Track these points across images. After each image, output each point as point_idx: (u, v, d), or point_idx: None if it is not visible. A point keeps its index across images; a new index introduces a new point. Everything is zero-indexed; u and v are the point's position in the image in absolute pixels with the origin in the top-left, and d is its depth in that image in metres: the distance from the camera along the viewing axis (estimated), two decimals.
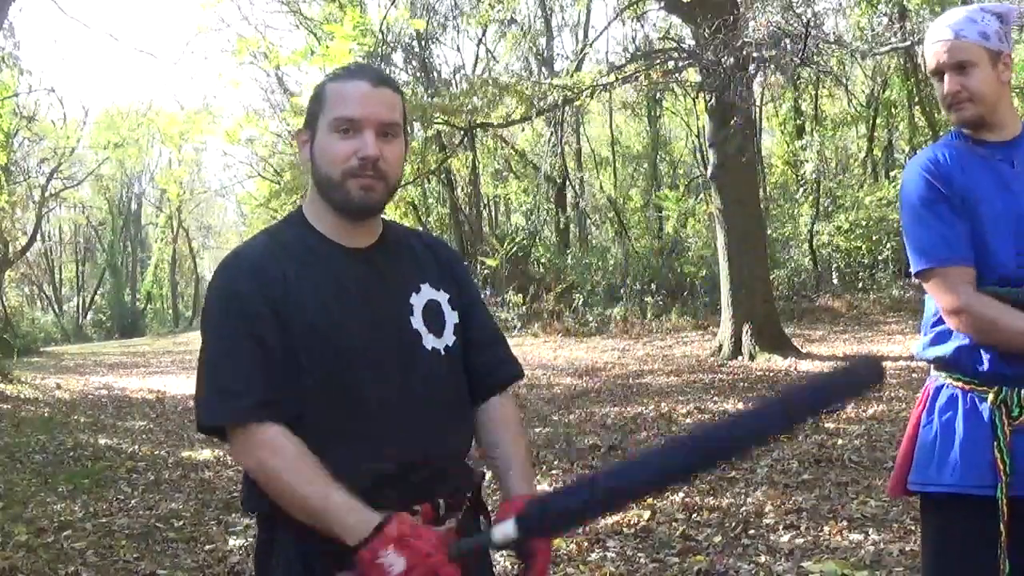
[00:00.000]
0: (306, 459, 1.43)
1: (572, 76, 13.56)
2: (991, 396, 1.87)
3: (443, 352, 1.62)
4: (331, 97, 1.55)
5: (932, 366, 2.03)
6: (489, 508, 1.73)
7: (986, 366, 1.89)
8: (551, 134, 18.03)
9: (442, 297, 1.65)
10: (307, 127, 1.58)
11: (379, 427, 1.51)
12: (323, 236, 1.58)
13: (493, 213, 25.45)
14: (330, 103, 1.54)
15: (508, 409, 1.76)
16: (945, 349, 1.96)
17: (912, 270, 1.97)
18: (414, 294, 1.61)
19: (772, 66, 11.44)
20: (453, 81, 21.49)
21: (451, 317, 1.65)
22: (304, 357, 1.49)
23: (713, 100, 11.38)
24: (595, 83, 12.77)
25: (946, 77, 1.91)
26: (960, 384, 1.94)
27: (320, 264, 1.55)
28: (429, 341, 1.60)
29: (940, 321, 1.97)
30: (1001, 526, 1.84)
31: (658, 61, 12.96)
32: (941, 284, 1.90)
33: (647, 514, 4.74)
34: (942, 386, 1.98)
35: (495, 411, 1.73)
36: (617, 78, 12.89)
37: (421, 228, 19.36)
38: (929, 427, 1.97)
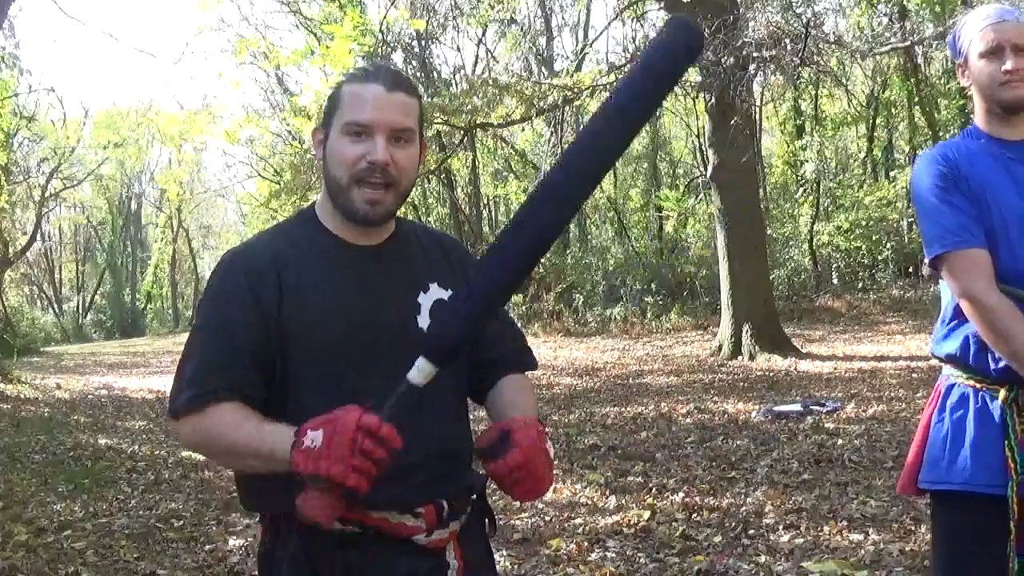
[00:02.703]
0: (241, 410, 1.43)
1: (572, 76, 13.56)
2: (1002, 394, 1.87)
3: None
4: (346, 99, 1.54)
5: (944, 364, 2.03)
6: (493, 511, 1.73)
7: (997, 364, 1.88)
8: (551, 134, 18.04)
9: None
10: (323, 126, 1.58)
11: None
12: (332, 234, 1.58)
13: (493, 213, 25.45)
14: (345, 105, 1.53)
15: (523, 380, 1.73)
16: (957, 346, 1.96)
17: (927, 258, 1.96)
18: (422, 293, 1.61)
19: (772, 66, 11.44)
20: (453, 81, 21.51)
21: None
22: (304, 356, 1.49)
23: (713, 100, 11.38)
24: (595, 83, 12.78)
25: (1009, 55, 1.92)
26: (971, 382, 1.94)
27: (326, 262, 1.55)
28: None
29: (953, 317, 1.97)
30: (1011, 525, 1.84)
31: None
32: (957, 267, 1.89)
33: (647, 514, 4.74)
34: (954, 384, 1.99)
35: (509, 383, 1.70)
36: (617, 78, 12.89)
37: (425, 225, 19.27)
38: (940, 425, 1.98)
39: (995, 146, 1.97)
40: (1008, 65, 1.91)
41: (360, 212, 1.52)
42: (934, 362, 2.08)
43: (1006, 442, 1.86)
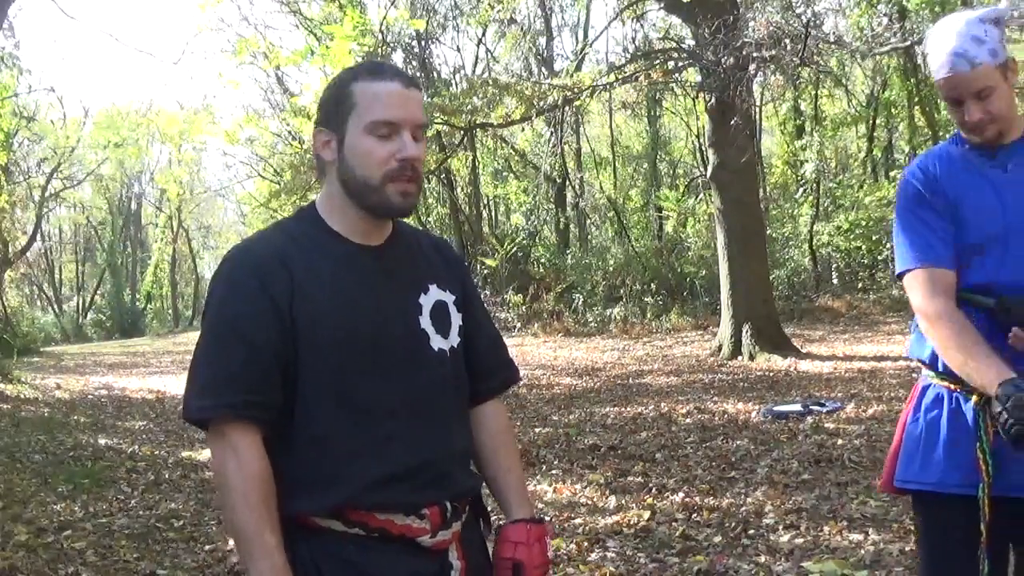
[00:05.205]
0: (261, 483, 1.45)
1: (572, 76, 13.55)
2: (975, 396, 1.88)
3: (448, 353, 1.62)
4: (363, 99, 1.52)
5: (921, 366, 2.05)
6: (488, 508, 1.73)
7: None
8: (551, 134, 18.02)
9: (449, 298, 1.65)
10: (328, 127, 1.55)
11: (384, 428, 1.51)
12: (336, 233, 1.57)
13: (493, 213, 25.43)
14: (364, 105, 1.52)
15: (502, 418, 1.78)
16: (928, 351, 1.98)
17: (896, 272, 2.01)
18: (423, 294, 1.62)
19: (772, 66, 11.44)
20: (453, 81, 21.50)
21: (456, 319, 1.66)
22: (310, 354, 1.49)
23: (713, 100, 11.38)
24: (595, 83, 12.77)
25: (968, 106, 1.90)
26: (945, 383, 1.96)
27: (331, 260, 1.55)
28: (436, 342, 1.60)
29: None
30: (982, 526, 1.86)
31: (658, 61, 12.97)
32: (917, 285, 1.93)
33: (647, 514, 4.74)
34: (929, 385, 2.01)
35: (490, 420, 1.74)
36: (617, 78, 12.89)
37: (421, 228, 19.28)
38: (915, 425, 2.00)
39: (976, 153, 1.97)
40: (970, 117, 1.90)
41: (396, 205, 1.54)
42: None
43: (978, 444, 1.86)
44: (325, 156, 1.56)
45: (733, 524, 4.49)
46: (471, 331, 1.70)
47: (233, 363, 1.47)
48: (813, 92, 19.54)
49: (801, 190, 19.00)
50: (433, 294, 1.63)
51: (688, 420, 7.63)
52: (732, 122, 10.77)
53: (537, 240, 22.01)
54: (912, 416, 2.02)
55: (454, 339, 1.64)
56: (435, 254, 1.70)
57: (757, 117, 17.04)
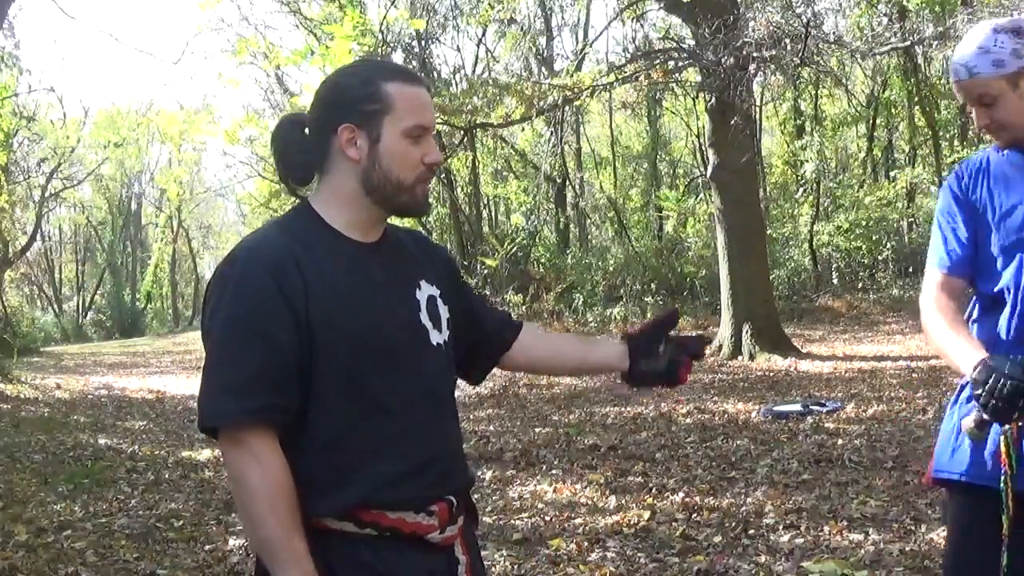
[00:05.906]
0: (286, 489, 1.43)
1: (572, 76, 13.54)
2: None
3: (443, 347, 1.64)
4: (400, 101, 1.53)
5: None
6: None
7: None
8: (551, 134, 18.03)
9: (436, 292, 1.67)
10: (355, 122, 1.53)
11: (396, 425, 1.52)
12: (336, 231, 1.57)
13: (493, 213, 25.41)
14: (401, 108, 1.53)
15: (535, 329, 1.92)
16: None
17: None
18: (418, 290, 1.63)
19: (772, 66, 11.44)
20: (453, 81, 21.50)
21: (444, 312, 1.67)
22: (324, 354, 1.48)
23: (713, 100, 11.37)
24: (595, 83, 12.76)
25: (975, 111, 1.98)
26: None
27: (336, 259, 1.54)
28: (434, 336, 1.62)
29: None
30: (1004, 519, 1.87)
31: (658, 61, 12.96)
32: (930, 282, 2.07)
33: (647, 514, 4.74)
34: (967, 383, 2.02)
35: (529, 337, 1.87)
36: (617, 78, 12.88)
37: (421, 228, 19.32)
38: (949, 419, 2.06)
39: (1011, 157, 2.01)
40: (977, 122, 2.00)
41: (423, 205, 1.61)
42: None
43: (1002, 437, 1.89)
44: (349, 153, 1.54)
45: (733, 524, 4.49)
46: (470, 303, 1.80)
47: (254, 364, 1.43)
48: (813, 92, 19.56)
49: (801, 190, 19.01)
50: (425, 289, 1.64)
51: (688, 420, 7.63)
52: (732, 122, 10.76)
53: (537, 240, 22.00)
54: (948, 410, 2.08)
55: (445, 332, 1.66)
56: (417, 248, 1.72)
57: (757, 117, 17.02)
